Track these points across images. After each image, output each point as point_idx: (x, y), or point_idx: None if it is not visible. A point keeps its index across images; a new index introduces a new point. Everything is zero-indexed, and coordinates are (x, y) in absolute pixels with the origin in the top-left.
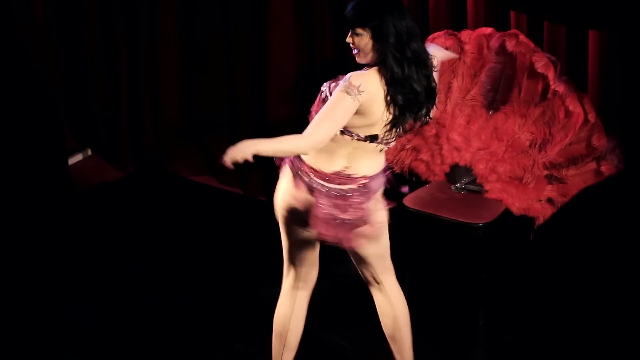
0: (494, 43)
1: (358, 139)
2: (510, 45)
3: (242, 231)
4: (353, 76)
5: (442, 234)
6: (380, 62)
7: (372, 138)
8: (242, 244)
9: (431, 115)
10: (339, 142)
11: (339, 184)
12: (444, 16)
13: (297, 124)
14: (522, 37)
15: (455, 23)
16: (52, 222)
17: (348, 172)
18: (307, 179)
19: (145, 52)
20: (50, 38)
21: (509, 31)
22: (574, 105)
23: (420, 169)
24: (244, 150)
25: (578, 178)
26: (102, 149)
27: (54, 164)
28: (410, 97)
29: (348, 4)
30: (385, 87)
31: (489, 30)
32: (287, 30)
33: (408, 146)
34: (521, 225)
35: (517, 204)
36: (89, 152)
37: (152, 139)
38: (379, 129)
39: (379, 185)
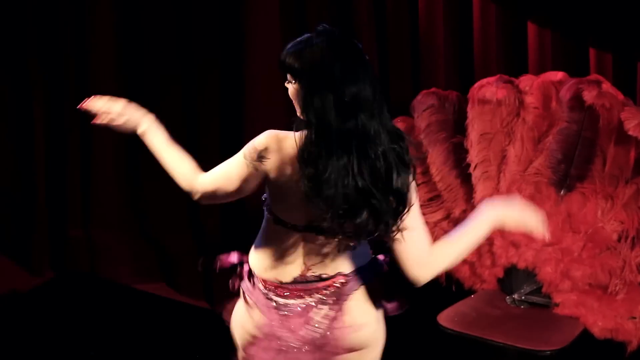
0: (567, 93)
1: (294, 229)
2: (589, 96)
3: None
4: (265, 135)
5: None
6: None
7: (316, 229)
8: None
9: (394, 229)
10: (279, 233)
11: (296, 296)
12: (494, 54)
13: None
14: (606, 85)
15: (511, 64)
16: None
17: (311, 273)
18: (262, 291)
19: (70, 105)
20: None
21: (587, 77)
22: None
23: (463, 272)
24: (130, 114)
25: None
26: (10, 246)
27: None
28: (327, 192)
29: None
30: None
31: (559, 75)
32: (271, 86)
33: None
34: (606, 353)
35: (600, 323)
36: None
37: (80, 231)
38: (316, 219)
39: (357, 285)
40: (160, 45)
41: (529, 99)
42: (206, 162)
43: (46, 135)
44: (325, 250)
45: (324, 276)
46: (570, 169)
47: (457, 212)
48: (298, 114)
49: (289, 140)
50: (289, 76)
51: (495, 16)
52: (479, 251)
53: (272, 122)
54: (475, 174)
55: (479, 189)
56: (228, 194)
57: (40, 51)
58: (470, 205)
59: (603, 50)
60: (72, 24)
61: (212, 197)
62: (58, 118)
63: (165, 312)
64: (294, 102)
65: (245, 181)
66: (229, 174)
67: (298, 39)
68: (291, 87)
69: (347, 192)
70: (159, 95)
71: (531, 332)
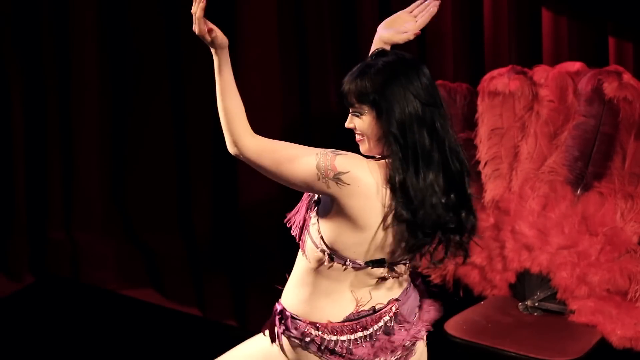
0: (585, 86)
1: (354, 267)
2: (609, 88)
3: None
4: (344, 157)
5: None
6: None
7: (376, 263)
8: None
9: (475, 234)
10: (331, 276)
11: (364, 328)
12: (507, 43)
13: (283, 206)
14: (627, 76)
15: (524, 54)
16: None
17: (367, 307)
18: (317, 341)
19: (51, 89)
20: None
21: (607, 67)
22: None
23: (472, 277)
24: (217, 38)
25: None
26: None
27: None
28: (420, 213)
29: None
30: (387, 195)
31: (576, 65)
32: (272, 78)
33: None
34: None
35: (618, 332)
36: None
37: (61, 233)
38: (384, 252)
39: (414, 305)
40: (146, 39)
41: (544, 92)
42: (197, 165)
43: (26, 130)
44: (377, 278)
45: (378, 307)
46: (587, 166)
47: None
48: (370, 146)
49: (370, 167)
50: (357, 107)
51: (507, 1)
52: (489, 255)
53: (267, 121)
54: (485, 172)
55: (489, 187)
56: (271, 177)
57: (19, 47)
58: (479, 205)
59: (623, 39)
60: (53, 21)
61: (253, 165)
62: (38, 111)
63: (153, 320)
64: (366, 134)
65: (304, 184)
66: (288, 167)
67: (354, 70)
68: (359, 121)
69: (438, 210)
70: (146, 90)
71: (545, 341)
